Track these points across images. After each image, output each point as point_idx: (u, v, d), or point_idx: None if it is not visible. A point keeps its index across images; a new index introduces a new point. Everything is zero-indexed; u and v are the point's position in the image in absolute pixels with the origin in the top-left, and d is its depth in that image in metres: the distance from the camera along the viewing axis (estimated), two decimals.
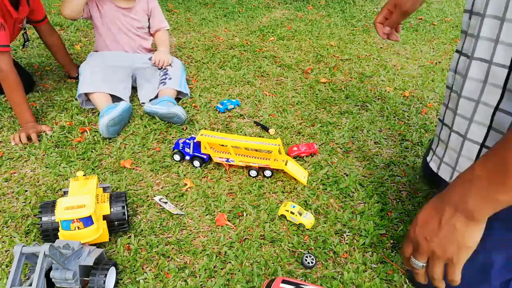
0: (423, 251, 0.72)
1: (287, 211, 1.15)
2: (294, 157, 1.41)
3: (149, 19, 1.83)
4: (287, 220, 1.16)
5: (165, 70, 1.73)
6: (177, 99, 1.73)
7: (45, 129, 1.48)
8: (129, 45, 1.80)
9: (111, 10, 1.72)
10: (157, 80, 1.72)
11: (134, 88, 1.81)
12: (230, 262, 1.03)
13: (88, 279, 0.90)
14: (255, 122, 1.61)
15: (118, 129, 1.50)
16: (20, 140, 1.42)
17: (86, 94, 1.59)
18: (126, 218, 1.06)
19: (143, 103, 1.69)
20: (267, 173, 1.32)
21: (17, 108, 1.48)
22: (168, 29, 1.89)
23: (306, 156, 1.43)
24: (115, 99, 1.62)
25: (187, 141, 1.35)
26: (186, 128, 1.57)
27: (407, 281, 1.00)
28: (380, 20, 1.18)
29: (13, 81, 1.45)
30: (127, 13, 1.75)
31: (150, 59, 1.80)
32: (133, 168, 1.34)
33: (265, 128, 1.57)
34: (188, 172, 1.34)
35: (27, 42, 1.78)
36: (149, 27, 1.85)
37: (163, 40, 1.85)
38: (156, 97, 1.69)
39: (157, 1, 1.84)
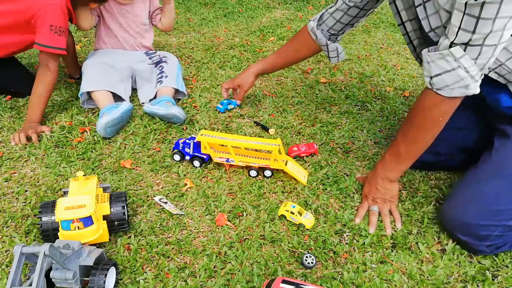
0: (375, 202, 1.19)
1: (287, 211, 1.15)
2: (294, 157, 1.41)
3: (149, 12, 1.82)
4: (287, 220, 1.16)
5: (161, 68, 1.72)
6: (178, 99, 1.73)
7: (44, 130, 1.48)
8: (129, 43, 1.80)
9: (112, 8, 1.72)
10: (155, 77, 1.71)
11: (134, 89, 1.81)
12: (230, 262, 1.03)
13: (88, 279, 0.90)
14: (255, 122, 1.61)
15: (116, 130, 1.50)
16: (20, 140, 1.42)
17: (88, 93, 1.59)
18: (126, 218, 1.06)
19: (143, 103, 1.69)
20: (267, 173, 1.32)
21: (36, 106, 1.51)
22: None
23: (306, 156, 1.43)
24: (117, 98, 1.62)
25: (187, 141, 1.35)
26: (186, 128, 1.57)
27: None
28: (226, 86, 1.65)
29: (53, 82, 1.55)
30: (129, 9, 1.75)
31: (146, 54, 1.80)
32: (133, 168, 1.34)
33: (265, 128, 1.57)
34: (188, 172, 1.34)
35: None
36: (151, 19, 1.85)
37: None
38: (155, 97, 1.69)
39: None
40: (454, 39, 0.90)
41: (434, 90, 0.98)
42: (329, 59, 1.48)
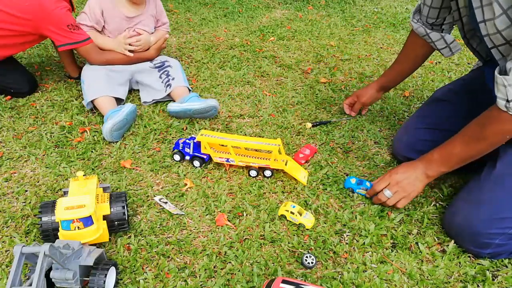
0: (396, 187, 1.16)
1: (287, 211, 1.15)
2: (306, 162, 1.40)
3: (156, 21, 1.80)
4: (287, 220, 1.16)
5: (166, 72, 1.72)
6: None
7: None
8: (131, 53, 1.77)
9: (119, 21, 1.67)
10: (158, 80, 1.71)
11: (133, 90, 1.81)
12: (230, 262, 1.03)
13: (88, 279, 0.90)
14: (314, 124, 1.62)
15: (122, 133, 1.48)
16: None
17: (92, 101, 1.58)
18: (126, 218, 1.06)
19: (145, 102, 1.69)
20: (267, 173, 1.32)
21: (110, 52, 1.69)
22: (168, 31, 1.87)
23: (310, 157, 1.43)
24: (119, 102, 1.61)
25: (187, 141, 1.35)
26: (186, 128, 1.57)
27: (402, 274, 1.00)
28: (347, 102, 1.68)
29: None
30: (138, 21, 1.71)
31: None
32: (133, 168, 1.34)
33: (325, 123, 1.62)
34: (188, 172, 1.34)
35: None
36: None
37: (160, 33, 1.82)
38: (169, 99, 1.68)
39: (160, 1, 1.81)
40: None
41: (510, 113, 0.97)
42: (441, 53, 1.39)
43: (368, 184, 1.27)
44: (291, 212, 1.14)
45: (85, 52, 1.62)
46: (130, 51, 1.70)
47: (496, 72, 0.97)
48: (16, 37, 1.57)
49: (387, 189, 1.17)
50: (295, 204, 1.17)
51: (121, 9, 1.67)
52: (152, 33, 1.79)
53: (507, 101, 0.95)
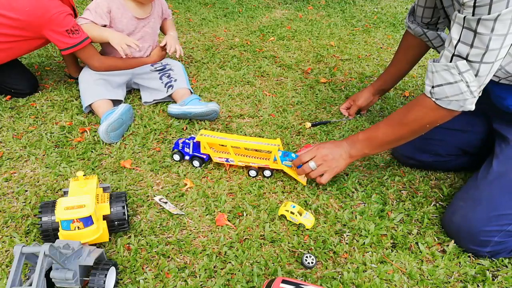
0: (321, 160, 1.19)
1: (287, 211, 1.15)
2: None
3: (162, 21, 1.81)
4: (287, 220, 1.16)
5: (167, 74, 1.72)
6: None
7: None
8: (136, 57, 1.75)
9: (127, 22, 1.65)
10: (158, 81, 1.70)
11: (133, 91, 1.81)
12: (230, 262, 1.03)
13: (88, 279, 0.90)
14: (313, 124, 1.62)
15: (121, 133, 1.48)
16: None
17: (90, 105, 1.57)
18: (126, 218, 1.06)
19: (146, 102, 1.69)
20: (267, 173, 1.32)
21: (114, 60, 1.69)
22: (171, 18, 1.90)
23: None
24: (118, 103, 1.61)
25: (186, 141, 1.35)
26: (186, 128, 1.57)
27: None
28: (343, 107, 1.71)
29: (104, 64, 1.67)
30: (146, 22, 1.70)
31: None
32: (133, 168, 1.34)
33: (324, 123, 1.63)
34: (188, 172, 1.34)
35: None
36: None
37: (171, 24, 1.86)
38: (170, 99, 1.68)
39: None
40: (454, 51, 0.94)
41: (433, 99, 1.01)
42: (437, 51, 1.42)
43: (293, 155, 1.29)
44: (291, 212, 1.14)
45: (86, 57, 1.61)
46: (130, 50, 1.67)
47: (429, 61, 1.01)
48: (19, 42, 1.56)
49: (312, 161, 1.20)
50: (295, 204, 1.17)
51: (130, 9, 1.65)
52: (156, 34, 1.79)
53: (432, 87, 1.00)
